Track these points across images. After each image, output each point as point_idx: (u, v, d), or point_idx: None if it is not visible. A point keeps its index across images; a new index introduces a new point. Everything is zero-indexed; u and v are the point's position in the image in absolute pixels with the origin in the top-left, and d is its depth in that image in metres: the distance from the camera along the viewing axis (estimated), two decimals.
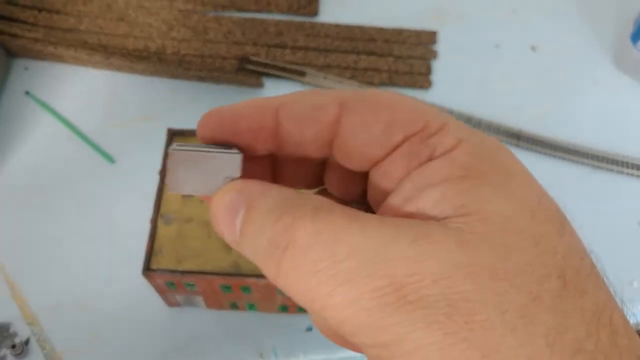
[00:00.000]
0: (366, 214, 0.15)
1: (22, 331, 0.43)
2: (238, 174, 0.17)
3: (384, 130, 0.16)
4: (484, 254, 0.14)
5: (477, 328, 0.13)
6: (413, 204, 0.15)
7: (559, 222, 0.15)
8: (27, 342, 0.43)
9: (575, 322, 0.14)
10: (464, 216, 0.14)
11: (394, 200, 0.16)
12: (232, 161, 0.17)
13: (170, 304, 0.43)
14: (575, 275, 0.14)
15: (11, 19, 0.56)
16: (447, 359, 0.13)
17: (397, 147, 0.16)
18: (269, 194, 0.16)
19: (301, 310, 0.43)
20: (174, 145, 0.18)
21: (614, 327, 0.14)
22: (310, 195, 0.16)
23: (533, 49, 0.58)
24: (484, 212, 0.14)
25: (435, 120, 0.16)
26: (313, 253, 0.14)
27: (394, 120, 0.16)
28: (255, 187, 0.16)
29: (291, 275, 0.14)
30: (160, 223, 0.39)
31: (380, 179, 0.17)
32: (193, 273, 0.38)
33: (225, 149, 0.18)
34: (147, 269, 0.38)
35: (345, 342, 0.16)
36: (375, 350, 0.14)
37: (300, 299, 0.15)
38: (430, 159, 0.16)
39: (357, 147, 0.17)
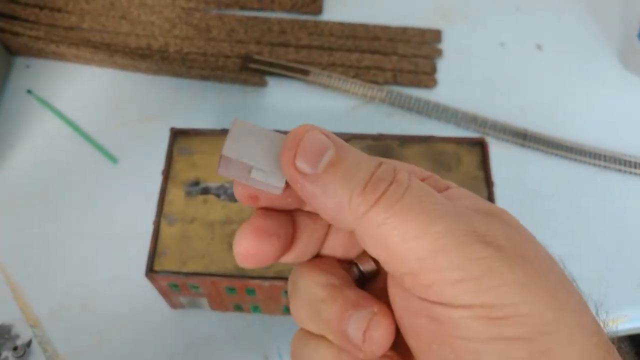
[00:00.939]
0: None
1: (24, 333, 0.43)
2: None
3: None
4: (517, 234, 0.17)
5: (546, 277, 0.15)
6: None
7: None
8: (29, 344, 0.42)
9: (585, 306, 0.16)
10: (494, 212, 0.17)
11: None
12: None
13: (174, 305, 0.43)
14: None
15: (13, 17, 0.55)
16: (524, 295, 0.15)
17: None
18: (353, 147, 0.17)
19: None
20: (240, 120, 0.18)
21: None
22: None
23: (538, 47, 0.58)
24: (503, 215, 0.17)
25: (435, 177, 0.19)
26: (416, 191, 0.16)
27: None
28: (339, 139, 0.17)
29: (391, 207, 0.15)
30: (163, 224, 0.39)
31: None
32: (197, 275, 0.37)
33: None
34: (151, 271, 0.37)
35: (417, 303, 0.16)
36: (460, 286, 0.15)
37: (388, 234, 0.15)
38: (447, 189, 0.18)
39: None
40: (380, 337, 0.16)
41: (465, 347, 0.15)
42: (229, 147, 0.17)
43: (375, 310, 0.16)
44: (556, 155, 0.51)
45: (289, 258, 0.18)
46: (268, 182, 0.17)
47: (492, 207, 0.17)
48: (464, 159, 0.41)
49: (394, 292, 0.16)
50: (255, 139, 0.17)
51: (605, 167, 0.51)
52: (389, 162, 0.17)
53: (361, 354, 0.16)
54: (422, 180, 0.18)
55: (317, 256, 0.19)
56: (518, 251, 0.16)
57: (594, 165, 0.51)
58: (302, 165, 0.16)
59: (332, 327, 0.17)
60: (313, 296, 0.17)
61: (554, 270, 0.16)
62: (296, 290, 0.18)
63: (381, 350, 0.16)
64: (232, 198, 0.40)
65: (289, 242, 0.18)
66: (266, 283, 0.37)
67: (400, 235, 0.15)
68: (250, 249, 0.17)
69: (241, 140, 0.17)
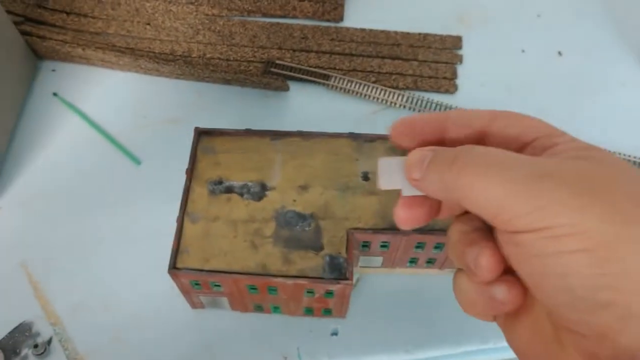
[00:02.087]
0: None
1: (45, 331, 0.43)
2: None
3: (522, 131, 0.23)
4: (602, 167, 0.20)
5: (615, 196, 0.18)
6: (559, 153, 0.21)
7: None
8: (49, 342, 0.42)
9: None
10: (586, 158, 0.20)
11: None
12: None
13: (194, 305, 0.43)
14: None
15: (40, 22, 0.57)
16: (586, 214, 0.18)
17: (528, 144, 0.22)
18: (445, 148, 0.22)
19: (326, 313, 0.42)
20: (382, 157, 0.25)
21: None
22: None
23: (559, 53, 0.58)
24: (596, 157, 0.20)
25: (559, 131, 0.23)
26: (486, 155, 0.20)
27: (529, 126, 0.23)
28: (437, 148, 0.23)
29: (469, 169, 0.20)
30: (186, 222, 0.39)
31: None
32: (219, 272, 0.37)
33: None
34: (174, 268, 0.37)
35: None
36: (529, 217, 0.19)
37: (466, 189, 0.20)
38: (555, 145, 0.22)
39: (500, 144, 0.23)
40: (485, 263, 0.21)
41: (540, 263, 0.19)
42: (382, 182, 0.25)
43: (482, 245, 0.21)
44: None
45: (443, 216, 0.25)
46: (415, 193, 0.24)
47: (583, 152, 0.20)
48: None
49: (496, 233, 0.21)
50: (396, 166, 0.24)
51: None
52: (462, 147, 0.22)
53: (478, 277, 0.21)
54: (538, 138, 0.22)
55: (465, 212, 0.24)
56: (586, 178, 0.19)
57: None
58: (412, 174, 0.23)
59: (460, 259, 0.22)
60: (453, 239, 0.23)
61: (632, 190, 0.19)
62: (448, 237, 0.24)
63: (488, 272, 0.21)
64: (255, 197, 0.40)
65: (436, 208, 0.24)
66: (289, 281, 0.36)
67: (478, 190, 0.20)
68: (402, 215, 0.24)
69: (387, 173, 0.25)
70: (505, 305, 0.21)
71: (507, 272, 0.21)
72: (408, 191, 0.25)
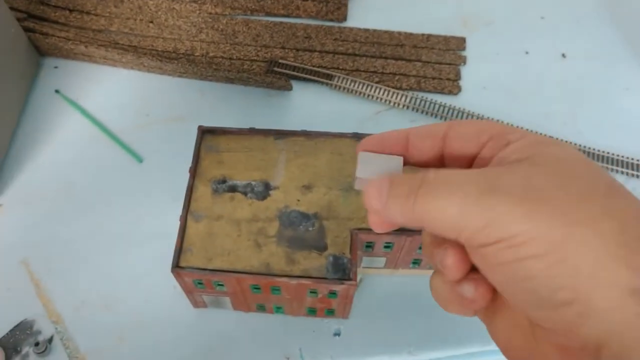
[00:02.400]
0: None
1: (46, 329, 0.43)
2: (400, 168, 0.27)
3: (476, 134, 0.24)
4: (548, 168, 0.21)
5: (560, 200, 0.20)
6: (503, 160, 0.23)
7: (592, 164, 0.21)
8: (50, 341, 0.42)
9: (623, 203, 0.20)
10: (533, 156, 0.21)
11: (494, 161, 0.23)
12: (397, 160, 0.27)
13: (197, 304, 0.43)
14: (618, 186, 0.20)
15: (43, 19, 0.56)
16: (533, 222, 0.19)
17: (484, 145, 0.24)
18: (402, 175, 0.25)
19: (329, 313, 0.42)
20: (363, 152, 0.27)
21: None
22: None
23: (563, 56, 0.58)
24: (544, 154, 0.21)
25: (505, 127, 0.24)
26: (436, 181, 0.22)
27: (482, 129, 0.24)
28: (393, 174, 0.26)
29: (422, 198, 0.22)
30: (190, 220, 0.39)
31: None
32: (223, 272, 0.37)
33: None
34: (177, 267, 0.37)
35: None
36: (485, 232, 0.20)
37: (426, 216, 0.22)
38: (507, 144, 0.23)
39: (458, 148, 0.25)
40: (450, 263, 0.22)
41: (504, 270, 0.20)
42: (360, 170, 0.27)
43: (447, 246, 0.22)
44: None
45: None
46: None
47: (531, 150, 0.22)
48: None
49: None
50: (375, 161, 0.27)
51: (631, 174, 0.50)
52: (417, 175, 0.23)
53: (447, 277, 0.23)
54: (492, 137, 0.24)
55: None
56: (530, 184, 0.20)
57: (620, 173, 0.50)
58: (372, 205, 0.24)
59: (431, 260, 0.24)
60: (425, 241, 0.25)
61: (575, 189, 0.20)
62: (422, 240, 0.26)
63: (454, 271, 0.22)
64: (259, 196, 0.40)
65: None
66: (293, 281, 0.36)
67: (435, 215, 0.22)
68: (375, 220, 0.26)
69: (366, 163, 0.27)
70: (475, 302, 0.23)
71: (476, 269, 0.23)
72: None
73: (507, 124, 0.52)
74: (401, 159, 0.28)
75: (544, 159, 0.21)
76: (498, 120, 0.52)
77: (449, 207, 0.21)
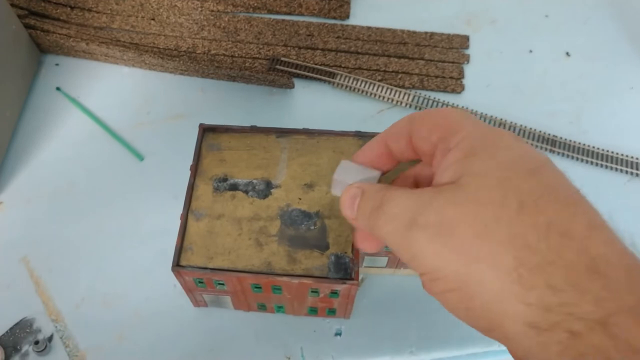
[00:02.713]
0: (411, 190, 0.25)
1: (46, 328, 0.42)
2: (377, 179, 0.29)
3: (428, 133, 0.26)
4: (464, 194, 0.22)
5: (461, 239, 0.21)
6: (443, 178, 0.24)
7: (529, 172, 0.22)
8: (50, 339, 0.42)
9: (527, 231, 0.20)
10: (460, 177, 0.23)
11: (436, 178, 0.25)
12: (375, 172, 0.29)
13: (197, 304, 0.42)
14: (535, 203, 0.21)
15: (44, 16, 0.56)
16: (442, 260, 0.22)
17: (436, 146, 0.25)
18: (372, 186, 0.27)
19: (330, 313, 0.42)
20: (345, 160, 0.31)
21: (569, 235, 0.20)
22: (390, 185, 0.28)
23: (567, 54, 0.57)
24: (468, 172, 0.23)
25: (454, 123, 0.25)
26: (384, 207, 0.25)
27: (435, 125, 0.25)
28: (367, 184, 0.27)
29: (374, 221, 0.25)
30: (190, 219, 0.38)
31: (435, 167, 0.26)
32: (223, 271, 0.37)
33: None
34: (177, 265, 0.37)
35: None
36: (413, 264, 0.23)
37: (382, 233, 0.24)
38: (446, 155, 0.24)
39: (420, 147, 0.26)
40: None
41: (438, 298, 0.23)
42: (338, 173, 0.30)
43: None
44: (586, 162, 0.50)
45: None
46: None
47: (459, 170, 0.23)
48: None
49: None
50: (353, 169, 0.30)
51: (636, 174, 0.50)
52: (381, 193, 0.26)
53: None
54: (442, 138, 0.25)
55: None
56: (442, 221, 0.22)
57: (625, 172, 0.50)
58: (347, 215, 0.27)
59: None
60: None
61: (481, 219, 0.21)
62: None
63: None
64: (260, 194, 0.39)
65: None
66: (294, 281, 0.36)
67: (385, 239, 0.24)
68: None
69: (344, 170, 0.30)
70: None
71: None
72: None
73: (510, 123, 0.52)
74: (379, 173, 0.30)
75: (466, 181, 0.22)
76: (501, 120, 0.52)
77: (387, 236, 0.23)
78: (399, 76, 0.55)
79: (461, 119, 0.25)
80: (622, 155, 0.50)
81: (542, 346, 0.19)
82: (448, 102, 0.53)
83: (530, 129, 0.52)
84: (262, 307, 0.42)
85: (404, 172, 0.31)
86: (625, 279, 0.19)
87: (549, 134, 0.51)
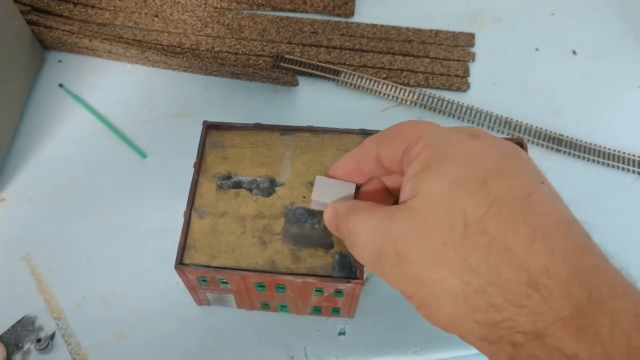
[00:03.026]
0: (373, 209, 0.27)
1: (48, 326, 0.42)
2: (352, 193, 0.32)
3: (393, 151, 0.27)
4: (415, 221, 0.24)
5: (414, 264, 0.23)
6: (403, 195, 0.26)
7: (477, 186, 0.22)
8: (52, 337, 0.42)
9: (469, 253, 0.21)
10: (412, 197, 0.24)
11: (401, 192, 0.27)
12: (350, 186, 0.32)
13: (200, 302, 0.42)
14: (479, 222, 0.22)
15: (47, 12, 0.56)
16: (401, 286, 0.25)
17: (402, 162, 0.27)
18: (342, 207, 0.30)
19: (334, 312, 0.41)
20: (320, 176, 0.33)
21: (509, 252, 0.21)
22: (360, 202, 0.29)
23: (574, 52, 0.57)
24: (420, 190, 0.24)
25: (413, 136, 0.26)
26: (355, 235, 0.27)
27: (396, 142, 0.27)
28: (338, 204, 0.30)
29: (352, 247, 0.28)
30: (194, 217, 0.38)
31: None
32: (227, 269, 0.36)
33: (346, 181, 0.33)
34: (180, 264, 0.36)
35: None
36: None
37: (357, 259, 0.28)
38: (410, 162, 0.26)
39: (388, 167, 0.28)
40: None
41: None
42: (315, 194, 0.33)
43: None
44: (592, 161, 0.50)
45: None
46: None
47: (413, 189, 0.24)
48: None
49: None
50: (329, 185, 0.32)
51: None
52: (346, 214, 0.29)
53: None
54: (405, 152, 0.26)
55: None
56: (398, 253, 0.24)
57: (631, 172, 0.49)
58: (331, 230, 0.31)
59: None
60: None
61: (425, 255, 0.23)
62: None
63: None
64: (264, 192, 0.39)
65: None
66: (298, 279, 0.36)
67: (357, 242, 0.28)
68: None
69: (321, 188, 0.33)
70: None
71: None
72: None
73: (516, 121, 0.51)
74: (354, 185, 0.32)
75: (418, 204, 0.24)
76: (507, 118, 0.52)
77: (362, 262, 0.27)
78: (404, 74, 0.54)
79: (420, 129, 0.26)
80: (628, 154, 0.50)
81: (494, 355, 0.22)
82: (453, 100, 0.53)
83: (536, 127, 0.51)
84: (266, 306, 0.42)
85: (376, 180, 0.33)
86: (563, 289, 0.20)
87: (555, 133, 0.51)
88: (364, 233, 0.26)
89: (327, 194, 0.32)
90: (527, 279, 0.20)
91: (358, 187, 0.33)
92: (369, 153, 0.29)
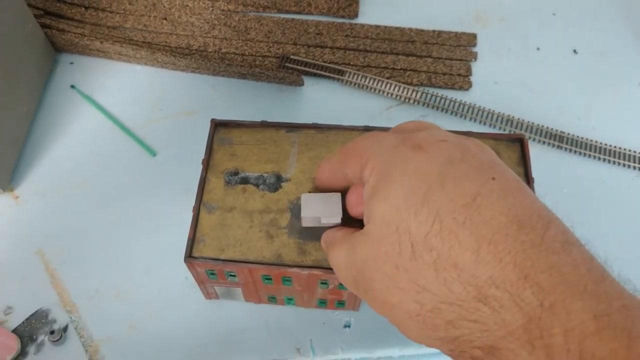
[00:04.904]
0: (348, 237, 0.28)
1: (61, 318, 0.43)
2: (339, 204, 0.33)
3: (353, 169, 0.28)
4: (370, 249, 0.24)
5: (376, 286, 0.24)
6: (364, 220, 0.26)
7: (418, 203, 0.22)
8: (65, 329, 0.43)
9: (419, 275, 0.22)
10: (368, 223, 0.24)
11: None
12: (336, 197, 0.33)
13: (209, 295, 0.43)
14: (424, 240, 0.21)
15: (59, 15, 0.57)
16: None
17: (361, 178, 0.27)
18: (326, 238, 0.32)
19: (340, 305, 0.42)
20: (305, 193, 0.35)
21: (457, 266, 0.20)
22: (338, 231, 0.31)
23: (575, 52, 0.58)
24: (372, 216, 0.24)
25: (364, 156, 0.26)
26: (335, 266, 0.29)
27: (354, 160, 0.27)
28: (325, 236, 0.33)
29: (332, 264, 0.29)
30: (202, 212, 0.39)
31: None
32: (235, 262, 0.37)
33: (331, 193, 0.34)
34: (190, 257, 0.37)
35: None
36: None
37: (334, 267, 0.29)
38: (365, 185, 0.26)
39: (354, 182, 0.29)
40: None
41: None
42: (304, 211, 0.34)
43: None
44: (593, 157, 0.51)
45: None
46: (330, 222, 0.33)
47: (367, 214, 0.25)
48: (502, 155, 0.41)
49: None
50: (315, 200, 0.34)
51: None
52: (329, 244, 0.31)
53: None
54: (355, 174, 0.28)
55: None
56: (364, 281, 0.25)
57: (633, 168, 0.50)
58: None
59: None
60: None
61: (383, 282, 0.23)
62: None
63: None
64: (271, 188, 0.40)
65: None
66: (304, 272, 0.37)
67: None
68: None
69: (308, 205, 0.34)
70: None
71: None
72: (325, 220, 0.34)
73: (518, 119, 0.52)
74: (339, 195, 0.33)
75: (371, 231, 0.24)
76: (509, 116, 0.52)
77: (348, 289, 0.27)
78: (407, 74, 0.55)
79: (369, 149, 0.26)
80: (630, 151, 0.51)
81: None
82: (456, 99, 0.53)
83: (538, 125, 0.52)
84: (273, 299, 0.43)
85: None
86: (512, 298, 0.19)
87: (557, 130, 0.52)
88: (340, 265, 0.27)
89: (314, 209, 0.34)
90: (475, 294, 0.20)
91: (344, 194, 0.33)
92: (337, 167, 0.29)
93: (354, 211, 0.32)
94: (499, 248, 0.20)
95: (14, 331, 0.42)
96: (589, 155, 0.51)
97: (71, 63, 0.57)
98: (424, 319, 0.21)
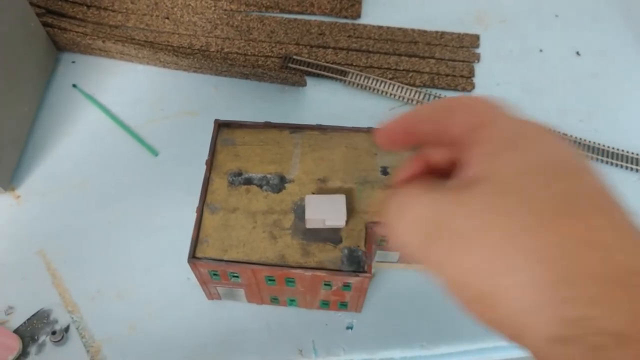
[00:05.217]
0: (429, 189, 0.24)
1: (63, 319, 0.43)
2: (344, 206, 0.35)
3: (460, 121, 0.24)
4: (487, 202, 0.21)
5: (485, 242, 0.21)
6: (465, 175, 0.24)
7: (559, 174, 0.21)
8: (67, 330, 0.43)
9: (548, 243, 0.20)
10: (479, 180, 0.22)
11: (460, 168, 0.25)
12: (340, 198, 0.34)
13: (211, 296, 0.43)
14: (564, 210, 0.20)
15: (61, 14, 0.57)
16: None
17: (468, 133, 0.24)
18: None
19: (342, 306, 0.42)
20: (310, 194, 0.36)
21: (592, 245, 0.19)
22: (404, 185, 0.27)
23: (578, 53, 0.58)
24: (493, 176, 0.22)
25: (489, 114, 0.24)
26: (408, 213, 0.24)
27: (467, 114, 0.24)
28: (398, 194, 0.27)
29: (397, 214, 0.24)
30: (206, 212, 0.39)
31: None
32: (238, 263, 0.37)
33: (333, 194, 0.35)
34: (193, 257, 0.37)
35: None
36: (431, 270, 0.22)
37: (402, 240, 0.24)
38: (479, 141, 0.24)
39: (448, 132, 0.25)
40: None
41: (462, 305, 0.22)
42: (308, 213, 0.35)
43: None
44: (596, 160, 0.51)
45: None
46: (334, 224, 0.34)
47: (488, 167, 0.22)
48: None
49: None
50: (321, 202, 0.34)
51: None
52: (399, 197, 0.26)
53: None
54: (467, 130, 0.24)
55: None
56: (468, 229, 0.22)
57: (635, 170, 0.50)
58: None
59: None
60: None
61: (498, 240, 0.21)
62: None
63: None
64: (274, 189, 0.40)
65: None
66: (308, 273, 0.36)
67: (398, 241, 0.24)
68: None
69: (312, 206, 0.35)
70: None
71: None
72: (329, 222, 0.34)
73: None
74: (344, 196, 0.34)
75: (489, 186, 0.22)
76: None
77: (408, 245, 0.23)
78: (410, 75, 0.55)
79: (495, 110, 0.24)
80: (631, 153, 0.51)
81: (566, 358, 0.19)
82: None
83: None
84: (275, 301, 0.42)
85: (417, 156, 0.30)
86: None
87: (559, 132, 0.52)
88: (413, 213, 0.23)
89: (319, 211, 0.34)
90: (616, 276, 0.19)
91: (348, 196, 0.34)
92: (430, 114, 0.26)
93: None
94: (631, 240, 0.20)
95: (16, 331, 0.42)
96: (591, 157, 0.51)
97: (73, 62, 0.56)
98: (542, 290, 0.19)
